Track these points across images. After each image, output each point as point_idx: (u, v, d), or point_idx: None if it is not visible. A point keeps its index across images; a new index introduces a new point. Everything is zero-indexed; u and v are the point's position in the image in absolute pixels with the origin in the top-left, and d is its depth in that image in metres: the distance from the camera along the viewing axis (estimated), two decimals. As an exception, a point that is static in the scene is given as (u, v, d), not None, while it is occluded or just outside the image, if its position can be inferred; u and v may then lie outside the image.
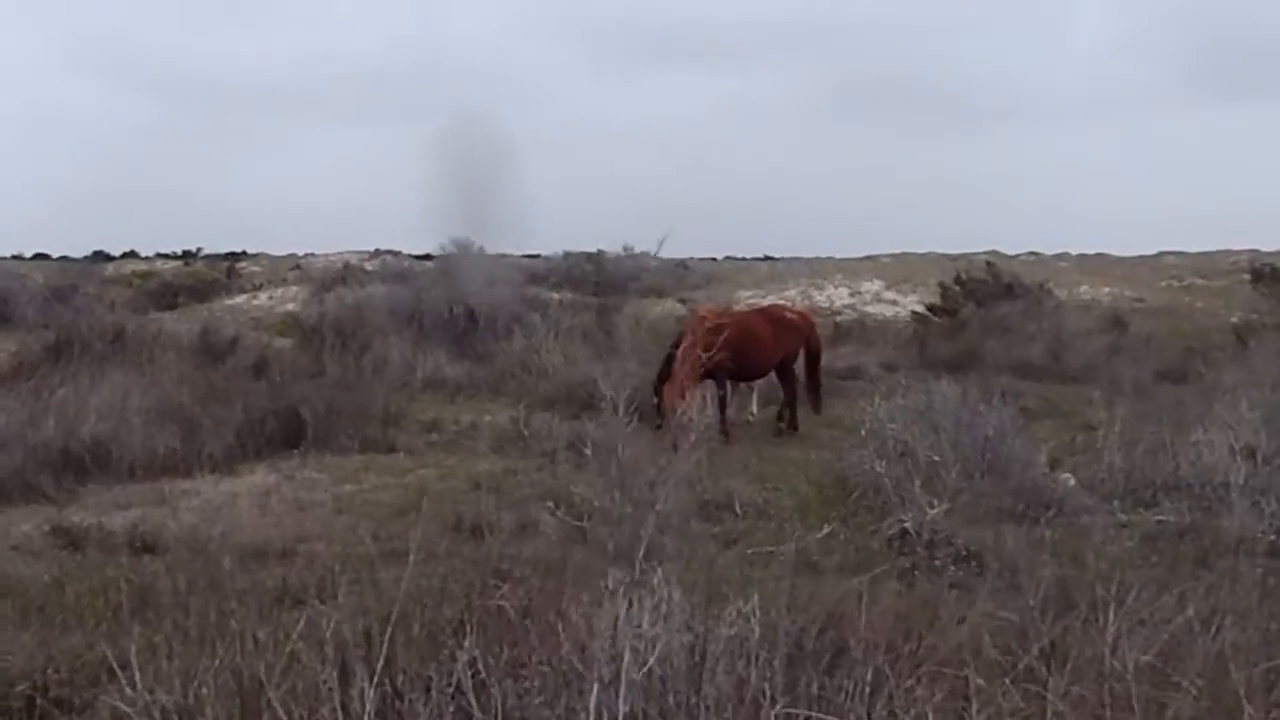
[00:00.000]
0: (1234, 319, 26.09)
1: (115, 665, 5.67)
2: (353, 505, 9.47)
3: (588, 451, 10.54)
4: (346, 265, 30.79)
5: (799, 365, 14.11)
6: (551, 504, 8.15)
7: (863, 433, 9.57)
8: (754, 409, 14.53)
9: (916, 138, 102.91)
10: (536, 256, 43.15)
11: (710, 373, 12.65)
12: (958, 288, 23.90)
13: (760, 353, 13.34)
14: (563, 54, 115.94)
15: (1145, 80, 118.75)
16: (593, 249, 38.93)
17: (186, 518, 9.00)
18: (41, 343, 13.55)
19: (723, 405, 13.06)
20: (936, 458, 8.79)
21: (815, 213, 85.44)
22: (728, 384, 13.25)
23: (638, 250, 39.31)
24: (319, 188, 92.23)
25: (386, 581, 7.30)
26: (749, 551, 7.61)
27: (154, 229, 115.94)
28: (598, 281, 35.86)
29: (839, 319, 24.98)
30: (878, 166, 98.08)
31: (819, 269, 33.41)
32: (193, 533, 8.38)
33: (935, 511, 7.69)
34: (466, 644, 4.49)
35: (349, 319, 18.16)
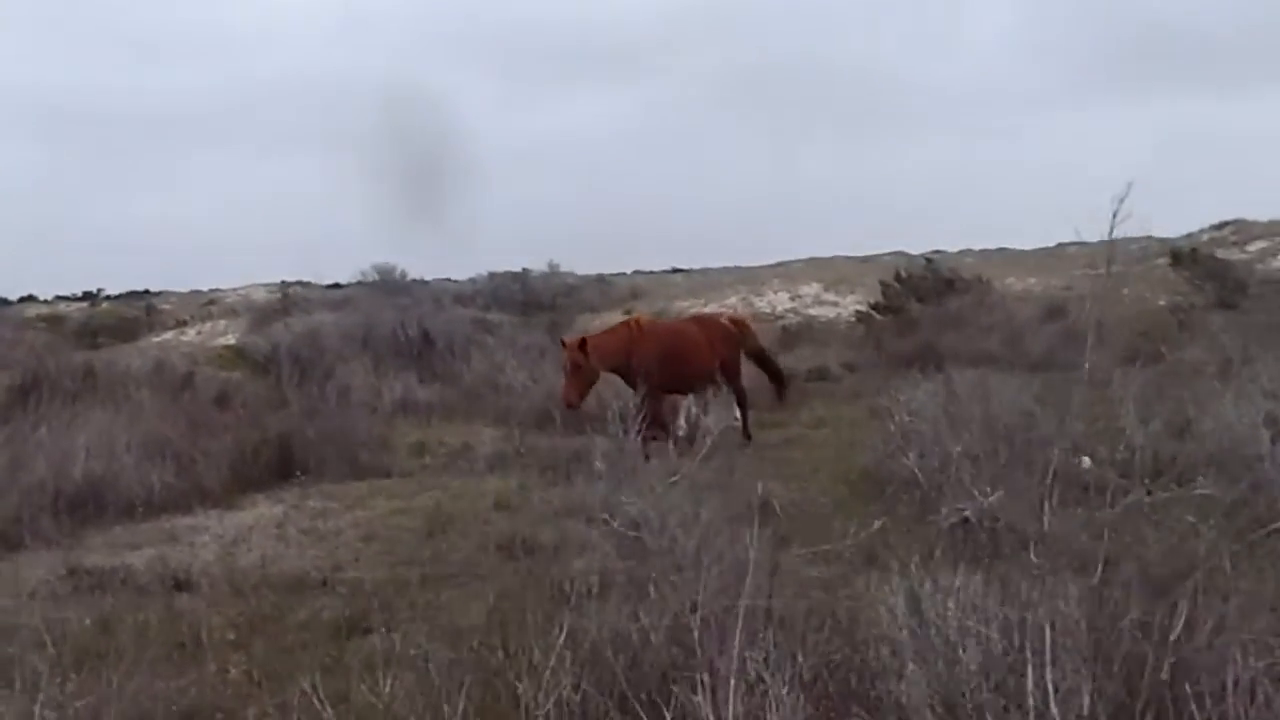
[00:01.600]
0: (1162, 301, 26.82)
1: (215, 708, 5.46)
2: (375, 531, 9.19)
3: (599, 465, 10.48)
4: (286, 295, 30.06)
5: (749, 370, 13.87)
6: (605, 516, 7.95)
7: (891, 427, 9.54)
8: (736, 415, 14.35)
9: (817, 139, 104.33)
10: (447, 280, 43.14)
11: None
12: (899, 285, 24.17)
13: (694, 361, 12.68)
14: (469, 74, 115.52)
15: (1041, 76, 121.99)
16: (516, 268, 38.83)
17: (205, 554, 8.66)
18: (6, 383, 12.97)
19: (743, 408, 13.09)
20: (959, 449, 8.83)
21: (715, 221, 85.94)
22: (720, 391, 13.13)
23: (562, 269, 39.28)
24: (216, 222, 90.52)
25: (448, 604, 7.14)
26: (808, 551, 7.52)
27: (43, 271, 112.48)
28: (524, 301, 35.67)
29: (783, 323, 25.11)
30: (779, 171, 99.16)
31: (753, 276, 33.57)
32: (222, 568, 8.05)
33: (992, 498, 7.68)
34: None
35: (304, 347, 17.74)
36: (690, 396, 13.38)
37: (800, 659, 4.52)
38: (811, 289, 28.57)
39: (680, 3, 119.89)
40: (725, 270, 43.18)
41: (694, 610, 4.96)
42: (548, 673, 4.85)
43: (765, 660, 4.44)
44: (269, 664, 6.01)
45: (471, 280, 39.40)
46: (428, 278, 39.71)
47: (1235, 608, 4.78)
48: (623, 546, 7.75)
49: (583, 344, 11.80)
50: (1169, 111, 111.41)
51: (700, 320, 14.33)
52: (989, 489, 7.84)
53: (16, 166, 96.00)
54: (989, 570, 5.93)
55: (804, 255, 39.42)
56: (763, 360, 14.18)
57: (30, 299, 57.24)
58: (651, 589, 5.99)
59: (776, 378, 14.30)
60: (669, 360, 12.24)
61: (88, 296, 58.34)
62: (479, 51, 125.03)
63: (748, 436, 12.92)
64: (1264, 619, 4.77)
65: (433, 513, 9.54)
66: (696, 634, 4.76)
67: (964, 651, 4.09)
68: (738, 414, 14.16)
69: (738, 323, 14.22)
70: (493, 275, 38.14)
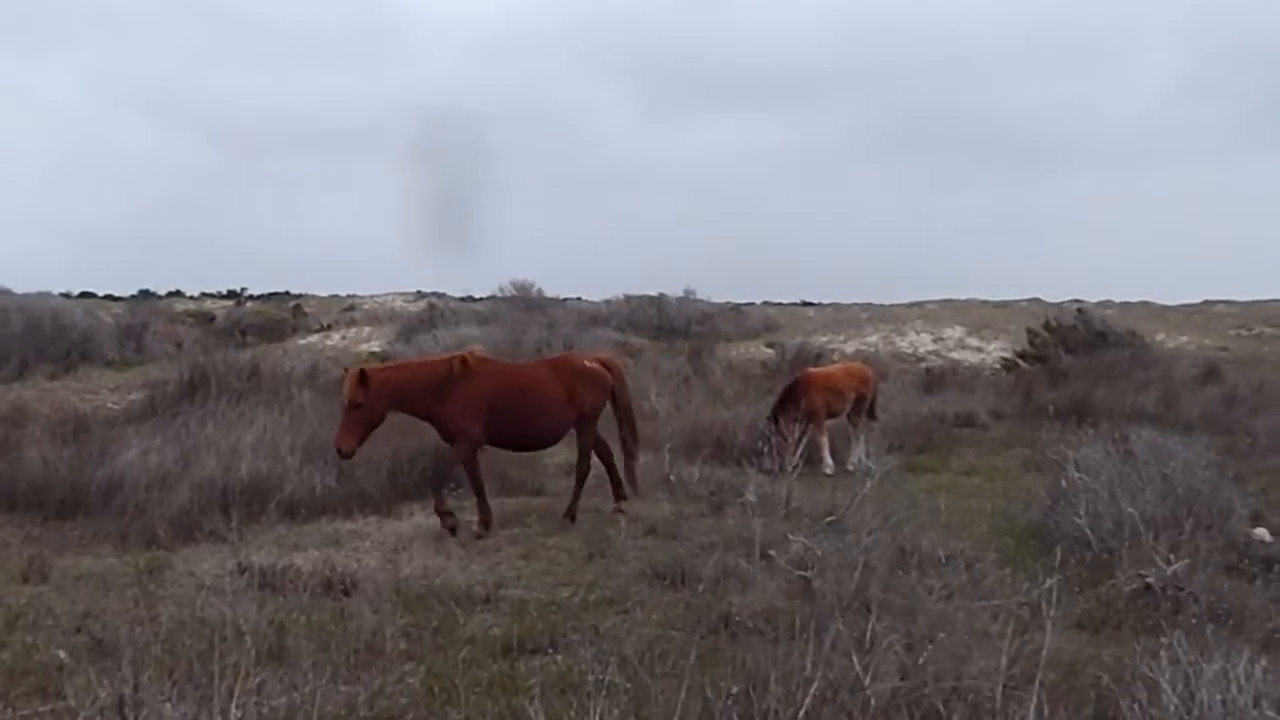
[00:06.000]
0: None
1: None
2: (533, 550, 9.25)
3: (751, 498, 10.41)
4: (431, 306, 30.63)
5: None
6: (773, 552, 7.86)
7: (1063, 484, 9.28)
8: (861, 456, 13.63)
9: (956, 183, 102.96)
10: (580, 299, 43.53)
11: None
12: (1048, 334, 23.63)
13: (541, 411, 10.47)
14: (611, 95, 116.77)
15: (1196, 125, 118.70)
16: (653, 292, 38.96)
17: (369, 560, 8.81)
18: (174, 379, 13.40)
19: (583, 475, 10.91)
20: (1133, 511, 8.54)
21: (849, 257, 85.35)
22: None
23: (698, 295, 39.32)
24: (355, 231, 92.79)
25: (612, 630, 7.12)
26: (978, 604, 7.33)
27: (191, 268, 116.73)
28: (659, 325, 35.81)
29: (925, 364, 24.73)
30: (918, 211, 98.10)
31: (892, 315, 33.16)
32: (386, 575, 8.16)
33: (1176, 566, 7.40)
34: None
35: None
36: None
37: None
38: (955, 332, 28.10)
39: (843, 42, 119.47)
40: (860, 306, 42.80)
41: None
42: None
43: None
44: (444, 677, 6.05)
45: (607, 301, 39.63)
46: (562, 295, 40.23)
47: None
48: (789, 585, 7.68)
49: (363, 376, 9.74)
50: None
51: (556, 363, 11.36)
52: (1171, 555, 7.55)
53: (181, 166, 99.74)
54: (1191, 640, 5.72)
55: (939, 296, 38.98)
56: (627, 417, 11.36)
57: (177, 294, 59.43)
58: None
59: (631, 443, 11.34)
60: (502, 408, 10.20)
61: (232, 295, 60.36)
62: (623, 70, 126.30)
63: (572, 518, 10.45)
64: None
65: (585, 535, 9.56)
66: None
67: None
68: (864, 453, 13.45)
69: (609, 366, 11.42)
70: (629, 298, 38.33)
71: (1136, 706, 4.45)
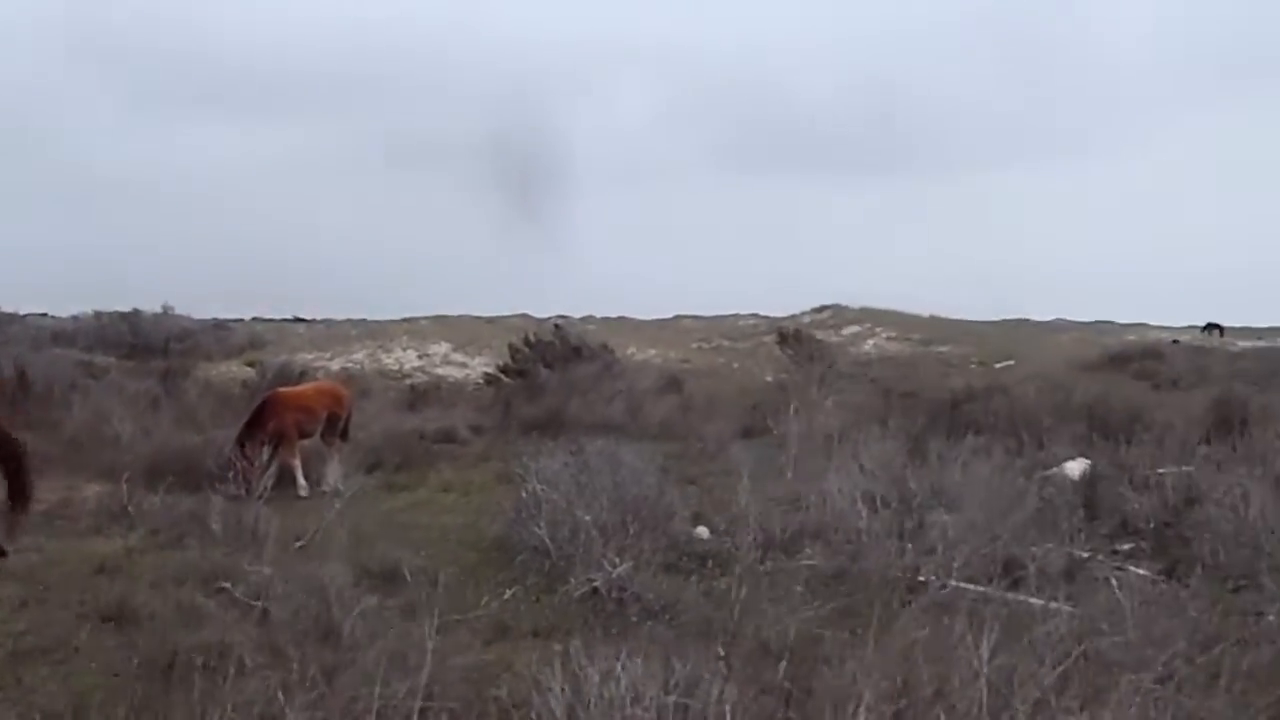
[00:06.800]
0: (769, 378, 28.68)
1: None
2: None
3: (215, 527, 9.96)
4: None
5: None
6: (228, 584, 7.54)
7: (524, 494, 9.63)
8: (335, 478, 13.42)
9: (458, 199, 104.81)
10: (44, 315, 39.97)
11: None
12: (528, 349, 24.55)
13: None
14: (88, 94, 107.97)
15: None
16: (126, 308, 36.51)
17: None
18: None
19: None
20: (587, 517, 9.05)
21: (343, 274, 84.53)
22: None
23: (177, 310, 37.35)
24: None
25: (39, 684, 6.51)
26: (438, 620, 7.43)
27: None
28: (133, 343, 33.57)
29: (410, 381, 24.89)
30: (416, 226, 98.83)
31: (382, 331, 33.11)
32: None
33: (620, 569, 7.90)
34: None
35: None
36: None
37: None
38: (441, 348, 28.54)
39: (344, 53, 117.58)
40: (352, 323, 42.33)
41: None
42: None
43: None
44: None
45: (74, 318, 36.63)
46: (21, 311, 36.71)
47: (850, 673, 5.17)
48: (245, 617, 7.39)
49: None
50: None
51: None
52: (617, 559, 8.06)
53: None
54: (622, 640, 6.11)
55: (432, 313, 39.42)
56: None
57: None
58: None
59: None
60: None
61: None
62: (106, 68, 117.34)
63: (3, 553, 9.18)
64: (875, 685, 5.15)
65: (26, 577, 8.71)
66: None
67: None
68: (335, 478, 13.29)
69: None
70: (99, 314, 35.63)
71: (534, 715, 4.67)
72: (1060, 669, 5.36)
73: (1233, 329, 45.99)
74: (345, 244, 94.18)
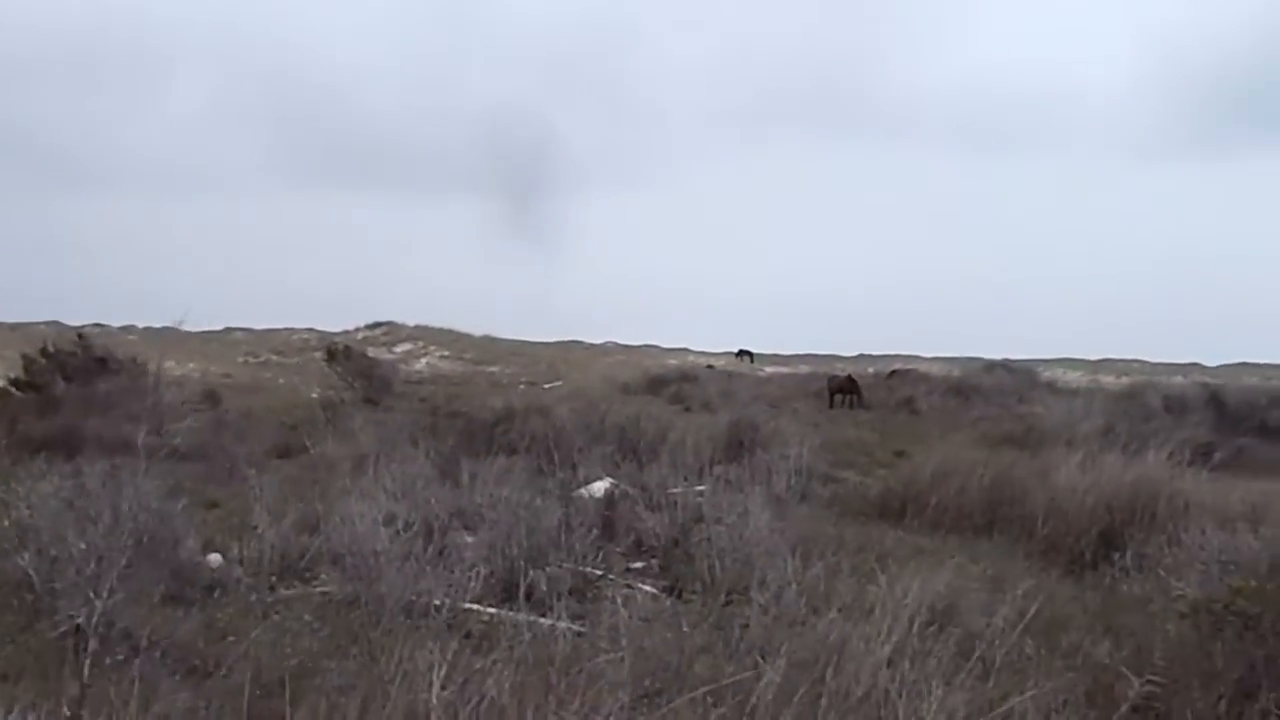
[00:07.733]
0: (314, 394, 27.98)
1: None
2: None
3: None
4: None
5: None
6: None
7: (5, 523, 8.74)
8: None
9: None
10: None
11: None
12: (45, 361, 22.54)
13: None
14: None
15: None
16: None
17: None
18: None
19: None
20: (83, 545, 8.36)
21: None
22: None
23: None
24: None
25: None
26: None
27: None
28: None
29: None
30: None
31: None
32: None
33: (111, 600, 7.31)
34: None
35: None
36: None
37: None
38: (-59, 357, 25.60)
39: None
40: None
41: None
42: None
43: None
44: None
45: None
46: None
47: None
48: None
49: None
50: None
51: None
52: (108, 592, 7.47)
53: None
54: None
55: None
56: None
57: None
58: None
59: None
60: None
61: None
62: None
63: None
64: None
65: None
66: None
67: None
68: None
69: None
70: None
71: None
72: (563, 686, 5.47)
73: (762, 355, 50.08)
74: None
